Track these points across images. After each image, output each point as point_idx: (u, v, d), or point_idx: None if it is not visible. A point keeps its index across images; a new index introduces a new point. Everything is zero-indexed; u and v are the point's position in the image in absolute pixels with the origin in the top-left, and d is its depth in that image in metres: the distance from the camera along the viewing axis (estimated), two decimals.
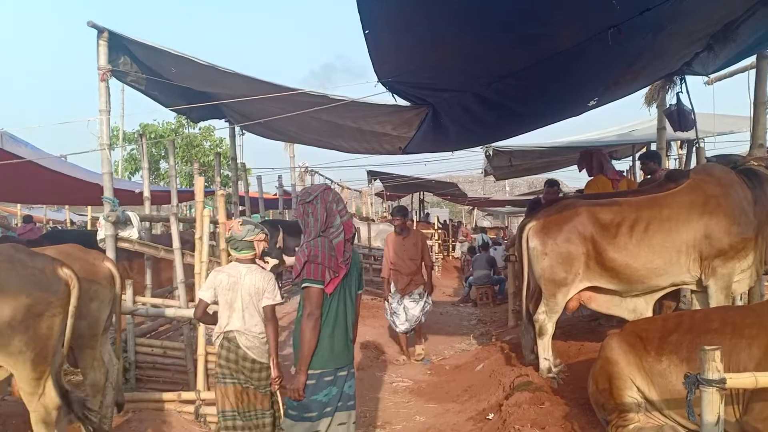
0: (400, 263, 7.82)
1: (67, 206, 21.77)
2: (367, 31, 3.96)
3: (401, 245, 7.88)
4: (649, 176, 7.95)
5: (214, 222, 6.47)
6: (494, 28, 4.27)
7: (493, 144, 10.19)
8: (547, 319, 5.50)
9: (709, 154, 8.27)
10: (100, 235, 6.07)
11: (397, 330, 8.06)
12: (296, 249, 11.01)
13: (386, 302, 8.09)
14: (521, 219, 7.87)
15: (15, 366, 3.68)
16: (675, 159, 10.96)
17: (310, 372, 3.43)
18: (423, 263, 7.95)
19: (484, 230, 24.50)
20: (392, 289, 7.98)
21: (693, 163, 9.27)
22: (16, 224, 16.89)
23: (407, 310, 7.83)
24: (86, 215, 21.79)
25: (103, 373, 4.68)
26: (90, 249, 5.02)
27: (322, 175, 19.35)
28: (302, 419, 3.47)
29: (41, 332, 3.71)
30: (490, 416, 5.25)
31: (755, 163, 5.24)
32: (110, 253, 5.86)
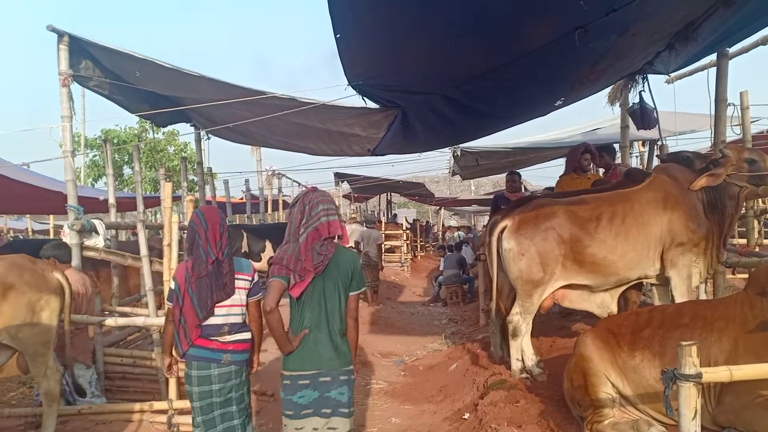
0: None
1: (28, 215, 21.26)
2: (338, 35, 3.95)
3: None
4: (603, 169, 8.07)
5: (182, 228, 6.38)
6: (465, 31, 4.29)
7: (460, 145, 10.22)
8: (521, 320, 5.48)
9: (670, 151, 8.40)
10: None
11: None
12: (261, 254, 10.96)
13: None
14: (487, 218, 7.81)
15: None
16: (637, 156, 11.14)
17: (285, 373, 3.42)
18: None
19: (459, 229, 24.89)
20: None
21: (655, 161, 9.43)
22: None
23: None
24: (48, 224, 21.31)
25: (57, 381, 4.69)
26: (38, 259, 5.05)
27: (290, 178, 19.24)
28: (284, 415, 3.45)
29: None
30: (466, 416, 5.26)
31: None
32: (76, 262, 5.75)
